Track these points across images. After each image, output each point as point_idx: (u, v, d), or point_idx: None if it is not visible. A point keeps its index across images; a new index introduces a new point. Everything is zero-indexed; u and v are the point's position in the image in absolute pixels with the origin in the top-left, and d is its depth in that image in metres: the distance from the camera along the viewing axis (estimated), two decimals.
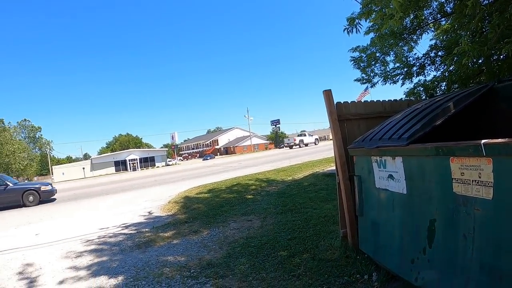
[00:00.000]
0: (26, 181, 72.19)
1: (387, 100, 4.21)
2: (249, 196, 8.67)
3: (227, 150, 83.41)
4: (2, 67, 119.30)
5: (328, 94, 3.88)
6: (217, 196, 8.99)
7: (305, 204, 6.66)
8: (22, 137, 75.27)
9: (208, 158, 61.79)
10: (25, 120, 79.03)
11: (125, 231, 6.41)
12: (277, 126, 73.93)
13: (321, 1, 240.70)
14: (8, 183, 13.30)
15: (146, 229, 6.30)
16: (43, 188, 13.71)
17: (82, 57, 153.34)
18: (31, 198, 13.20)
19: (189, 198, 9.20)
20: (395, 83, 7.57)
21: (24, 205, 12.98)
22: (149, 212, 8.23)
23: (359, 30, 6.12)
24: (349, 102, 4.03)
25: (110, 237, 6.05)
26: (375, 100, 4.21)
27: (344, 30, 6.16)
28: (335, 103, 3.89)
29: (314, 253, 3.92)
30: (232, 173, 16.90)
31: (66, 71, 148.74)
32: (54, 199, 14.57)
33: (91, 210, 10.30)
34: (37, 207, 12.67)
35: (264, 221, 5.88)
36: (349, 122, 3.95)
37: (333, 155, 3.99)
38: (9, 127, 63.26)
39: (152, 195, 11.90)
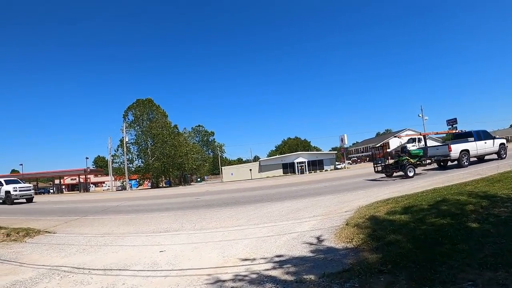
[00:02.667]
0: (199, 179, 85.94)
1: None
2: (473, 224, 5.01)
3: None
4: (182, 81, 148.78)
5: None
6: (421, 220, 5.55)
7: None
8: (196, 140, 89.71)
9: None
10: (199, 126, 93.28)
11: (277, 273, 4.00)
12: (454, 126, 61.89)
13: None
14: None
15: (311, 277, 3.71)
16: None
17: (254, 66, 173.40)
18: None
19: (377, 220, 6.10)
20: None
21: None
22: (317, 238, 5.68)
23: None
24: None
25: (252, 283, 3.76)
26: None
27: None
28: None
29: None
30: (420, 181, 12.84)
31: (238, 81, 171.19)
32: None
33: (238, 222, 8.55)
34: (189, 210, 12.27)
35: None
36: None
37: None
38: (183, 132, 76.33)
39: (322, 207, 9.34)
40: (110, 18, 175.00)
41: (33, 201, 23.44)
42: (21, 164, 62.29)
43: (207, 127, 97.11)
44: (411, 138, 44.66)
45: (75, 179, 70.78)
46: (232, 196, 16.08)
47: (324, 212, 8.28)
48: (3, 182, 22.48)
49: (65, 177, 71.92)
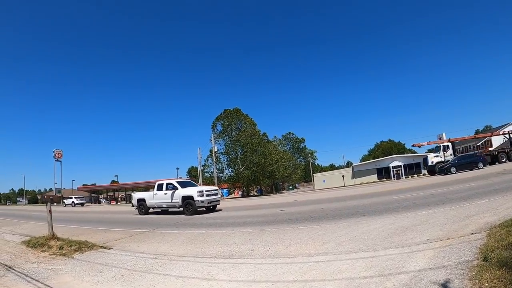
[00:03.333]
0: (290, 187, 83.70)
1: None
2: None
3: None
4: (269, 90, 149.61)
5: None
6: None
7: None
8: (287, 148, 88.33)
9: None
10: (289, 133, 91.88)
11: None
12: None
13: None
14: None
15: None
16: None
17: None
18: None
19: None
20: None
21: None
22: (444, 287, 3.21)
23: None
24: None
25: None
26: None
27: None
28: None
29: None
30: None
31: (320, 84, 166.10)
32: None
33: (324, 247, 6.19)
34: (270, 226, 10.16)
35: None
36: None
37: None
38: (274, 140, 75.29)
39: (436, 225, 6.64)
40: (195, 25, 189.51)
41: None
42: (116, 175, 66.54)
43: (298, 134, 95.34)
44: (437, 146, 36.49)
45: None
46: (321, 207, 13.47)
47: (442, 234, 5.77)
48: (178, 185, 17.25)
49: None
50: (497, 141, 69.79)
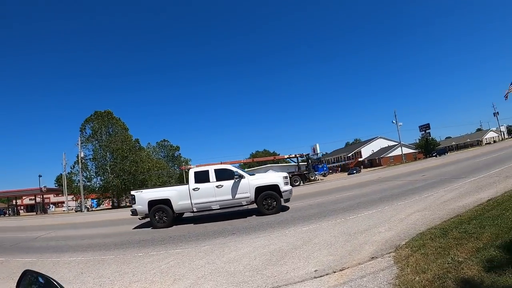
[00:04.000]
0: None
1: None
2: None
3: (372, 162, 78.94)
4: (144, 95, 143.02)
5: None
6: None
7: None
8: (161, 156, 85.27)
9: (354, 171, 58.60)
10: (164, 140, 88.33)
11: None
12: (427, 131, 63.71)
13: None
14: None
15: None
16: None
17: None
18: None
19: None
20: None
21: None
22: None
23: None
24: None
25: None
26: None
27: None
28: None
29: None
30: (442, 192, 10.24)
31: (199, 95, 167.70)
32: None
33: (176, 286, 5.27)
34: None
35: None
36: None
37: None
38: (147, 147, 71.56)
39: (323, 246, 5.77)
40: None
41: None
42: None
43: (173, 141, 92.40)
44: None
45: (33, 199, 63.78)
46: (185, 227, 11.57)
47: (333, 261, 4.73)
48: (242, 172, 12.19)
49: (23, 197, 64.62)
50: (366, 152, 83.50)
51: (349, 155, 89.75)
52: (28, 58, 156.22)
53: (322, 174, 48.71)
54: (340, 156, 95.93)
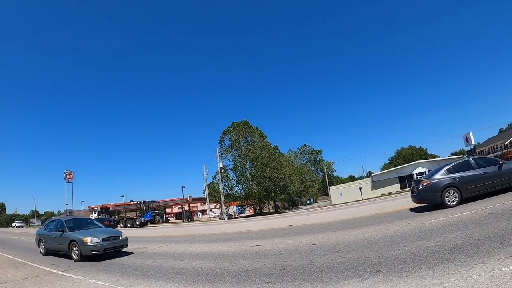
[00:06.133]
0: (309, 201, 77.94)
1: None
2: None
3: None
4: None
5: None
6: None
7: None
8: (303, 161, 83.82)
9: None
10: (305, 145, 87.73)
11: None
12: None
13: None
14: None
15: None
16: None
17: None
18: None
19: None
20: None
21: None
22: None
23: None
24: None
25: None
26: None
27: None
28: None
29: None
30: None
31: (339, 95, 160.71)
32: None
33: None
34: None
35: None
36: None
37: None
38: (289, 153, 70.95)
39: None
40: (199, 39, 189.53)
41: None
42: (123, 196, 60.86)
43: (314, 145, 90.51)
44: None
45: (181, 207, 72.59)
46: (315, 242, 8.85)
47: None
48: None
49: (173, 206, 74.00)
50: None
51: (506, 143, 67.23)
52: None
53: (146, 220, 39.71)
54: (496, 145, 72.96)
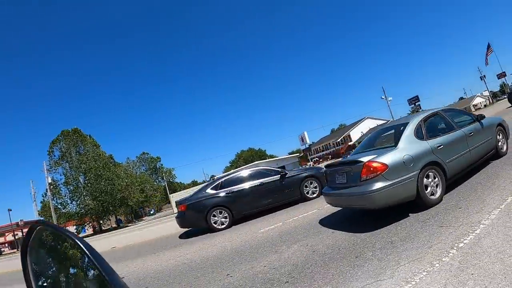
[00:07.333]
0: (152, 212, 75.48)
1: None
2: None
3: None
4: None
5: None
6: None
7: None
8: (143, 169, 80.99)
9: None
10: (144, 153, 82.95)
11: None
12: (417, 104, 59.49)
13: None
14: None
15: None
16: None
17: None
18: None
19: None
20: None
21: None
22: None
23: None
24: None
25: None
26: None
27: None
28: None
29: None
30: None
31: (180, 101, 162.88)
32: None
33: None
34: None
35: None
36: None
37: None
38: (126, 163, 67.22)
39: None
40: None
41: None
42: None
43: (154, 153, 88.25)
44: None
45: (15, 235, 58.64)
46: (132, 269, 8.16)
47: None
48: None
49: (6, 234, 59.34)
50: (355, 135, 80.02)
51: (337, 140, 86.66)
52: None
53: None
54: (329, 143, 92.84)
